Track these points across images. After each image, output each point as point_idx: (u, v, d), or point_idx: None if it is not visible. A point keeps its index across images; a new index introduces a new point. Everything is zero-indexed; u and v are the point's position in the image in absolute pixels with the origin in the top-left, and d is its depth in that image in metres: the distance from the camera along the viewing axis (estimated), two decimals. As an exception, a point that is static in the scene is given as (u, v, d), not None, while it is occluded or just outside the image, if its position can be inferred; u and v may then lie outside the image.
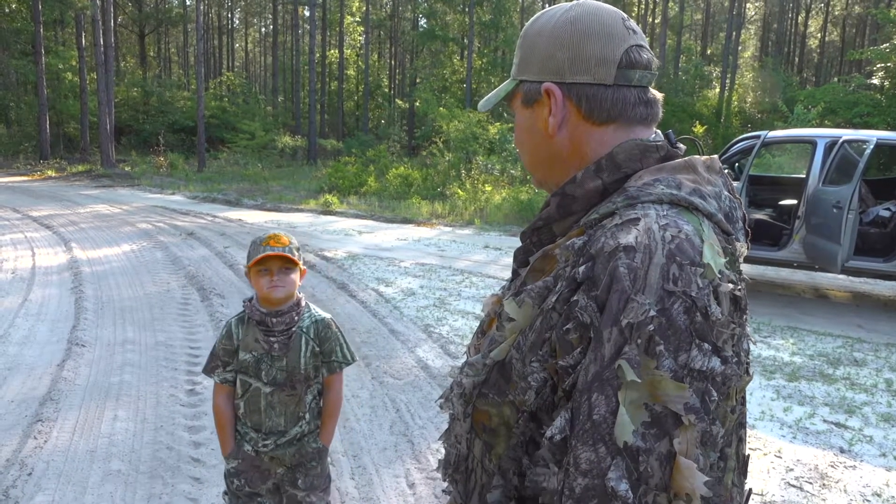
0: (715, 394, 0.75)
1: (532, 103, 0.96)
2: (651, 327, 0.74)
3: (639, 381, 0.73)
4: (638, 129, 0.93)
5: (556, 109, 0.92)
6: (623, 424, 0.73)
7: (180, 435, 3.74)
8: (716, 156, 0.94)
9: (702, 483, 0.73)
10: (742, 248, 0.88)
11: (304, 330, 2.20)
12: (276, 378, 2.15)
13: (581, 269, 0.80)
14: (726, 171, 0.94)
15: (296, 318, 2.18)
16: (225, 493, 2.32)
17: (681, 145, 0.96)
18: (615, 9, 0.95)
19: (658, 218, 0.81)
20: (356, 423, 3.95)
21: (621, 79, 0.90)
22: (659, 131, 0.96)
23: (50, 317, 6.03)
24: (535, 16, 0.98)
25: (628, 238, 0.78)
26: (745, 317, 0.83)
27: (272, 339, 2.15)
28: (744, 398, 0.89)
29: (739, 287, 0.81)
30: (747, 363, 0.84)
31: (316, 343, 2.20)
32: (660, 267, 0.76)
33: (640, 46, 0.92)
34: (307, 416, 2.22)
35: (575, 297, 0.80)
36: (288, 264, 2.14)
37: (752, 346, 5.65)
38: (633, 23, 0.94)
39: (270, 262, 2.12)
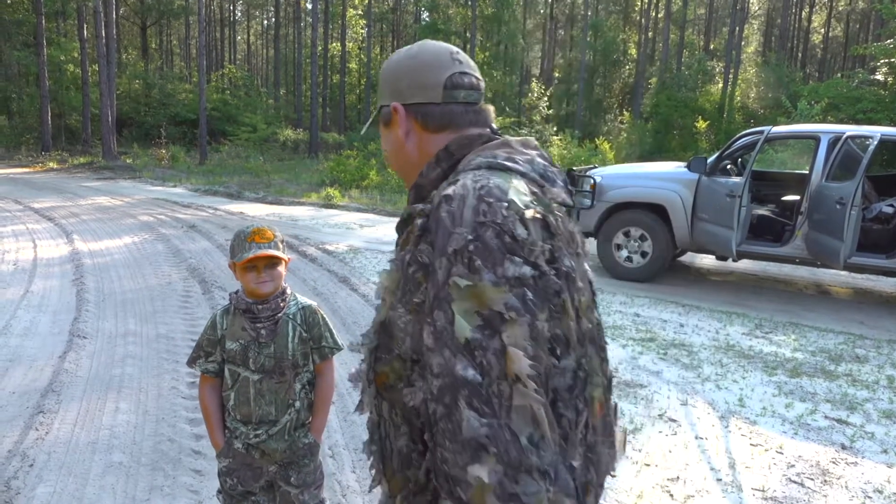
0: (531, 294, 0.93)
1: (388, 123, 1.23)
2: (470, 248, 0.93)
3: (466, 292, 0.92)
4: (469, 130, 1.19)
5: (401, 122, 1.20)
6: (461, 328, 0.91)
7: (181, 427, 3.74)
8: (532, 138, 1.21)
9: (526, 366, 0.90)
10: (559, 194, 1.11)
11: (291, 316, 2.19)
12: (263, 365, 2.15)
13: (419, 222, 1.02)
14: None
15: (281, 304, 2.18)
16: (219, 492, 2.29)
17: (499, 134, 1.22)
18: (446, 45, 1.24)
19: (473, 176, 1.03)
20: (357, 416, 3.95)
21: (448, 97, 1.18)
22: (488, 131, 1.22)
23: (51, 308, 6.03)
24: (391, 55, 1.27)
25: (447, 191, 1.01)
26: (573, 243, 1.08)
27: (258, 325, 2.15)
28: (600, 323, 1.14)
29: (552, 216, 1.03)
30: (589, 283, 1.11)
31: (303, 329, 2.20)
32: (472, 207, 0.97)
33: (464, 73, 1.20)
34: (297, 404, 2.20)
35: (419, 247, 1.01)
36: (274, 260, 2.14)
37: (734, 338, 5.65)
38: (462, 55, 1.22)
39: (258, 259, 2.11)
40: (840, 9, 44.16)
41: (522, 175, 1.07)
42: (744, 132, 8.01)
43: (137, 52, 44.22)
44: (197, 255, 8.49)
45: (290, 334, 2.17)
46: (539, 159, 1.14)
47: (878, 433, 4.04)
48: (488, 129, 1.21)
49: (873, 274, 7.34)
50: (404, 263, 1.03)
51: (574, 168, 8.85)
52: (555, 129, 21.68)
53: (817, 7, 44.99)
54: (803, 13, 43.80)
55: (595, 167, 9.37)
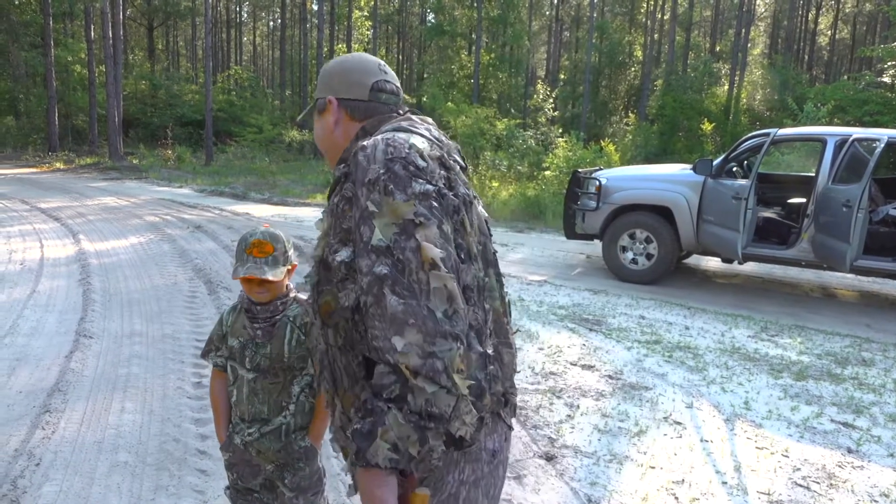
0: (435, 204, 1.20)
1: (322, 111, 1.53)
2: (383, 177, 1.20)
3: (384, 209, 1.17)
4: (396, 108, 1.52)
5: (333, 112, 1.50)
6: (381, 237, 1.16)
7: (187, 427, 3.75)
8: (428, 117, 1.51)
9: (438, 253, 1.15)
10: (453, 153, 1.43)
11: (291, 318, 2.18)
12: (259, 364, 2.15)
13: (341, 168, 1.34)
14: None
15: (280, 306, 2.18)
16: (227, 488, 2.32)
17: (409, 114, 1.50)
18: (375, 58, 1.54)
19: (382, 135, 1.31)
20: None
21: (373, 97, 1.49)
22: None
23: (58, 308, 6.06)
24: (331, 60, 1.57)
25: (362, 143, 1.28)
26: (460, 174, 1.37)
27: (256, 325, 2.17)
28: (495, 254, 1.41)
29: (447, 157, 1.33)
30: (472, 198, 1.38)
31: (301, 332, 2.18)
32: (381, 150, 1.25)
33: (387, 81, 1.52)
34: (292, 407, 2.18)
35: (343, 186, 1.30)
36: (266, 283, 2.13)
37: (740, 341, 5.63)
38: (386, 67, 1.54)
39: (250, 278, 2.12)
40: (847, 11, 44.00)
41: (422, 136, 1.33)
42: (750, 134, 7.99)
43: (144, 53, 44.36)
44: (202, 255, 8.51)
45: (287, 336, 2.16)
46: (435, 131, 1.42)
47: (885, 437, 4.02)
48: (398, 110, 1.50)
49: (880, 277, 7.31)
50: (333, 205, 1.31)
51: (579, 170, 8.84)
52: (560, 130, 21.64)
53: (824, 9, 44.83)
54: (810, 15, 43.66)
55: (600, 169, 9.36)
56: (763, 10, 45.35)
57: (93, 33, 27.64)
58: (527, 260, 9.19)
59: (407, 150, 1.24)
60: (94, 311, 5.90)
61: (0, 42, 30.79)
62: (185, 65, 51.13)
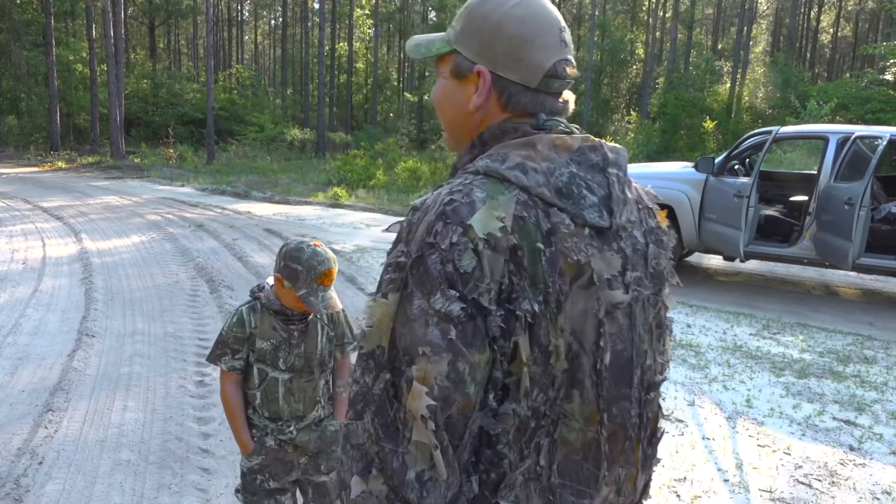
0: (456, 333, 0.86)
1: (462, 76, 1.04)
2: (400, 260, 0.90)
3: (387, 312, 0.90)
4: (542, 116, 1.04)
5: (482, 91, 1.02)
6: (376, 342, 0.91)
7: (189, 426, 3.75)
8: (576, 137, 1.02)
9: (423, 406, 0.85)
10: (578, 215, 0.95)
11: (319, 316, 2.22)
12: (294, 364, 2.17)
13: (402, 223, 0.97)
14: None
15: None
16: (238, 490, 2.29)
17: (556, 126, 1.05)
18: (557, 16, 1.05)
19: (457, 185, 0.94)
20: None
21: (544, 86, 1.03)
22: (558, 119, 1.06)
23: (60, 307, 6.07)
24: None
25: (419, 200, 0.96)
26: (577, 277, 0.94)
27: (292, 326, 2.17)
28: (620, 366, 1.00)
29: (529, 250, 0.90)
30: (596, 321, 0.95)
31: (330, 328, 2.25)
32: (428, 223, 0.90)
33: (566, 60, 1.05)
34: (322, 400, 2.27)
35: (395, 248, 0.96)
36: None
37: (741, 339, 5.63)
38: (567, 35, 1.06)
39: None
40: (849, 8, 43.92)
41: (524, 190, 0.94)
42: (752, 132, 7.98)
43: (145, 52, 44.39)
44: (204, 254, 8.52)
45: (319, 334, 2.21)
46: (568, 168, 0.98)
47: (887, 434, 4.02)
48: (535, 119, 1.04)
49: (882, 275, 7.30)
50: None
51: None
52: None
53: (826, 6, 44.77)
54: (812, 13, 43.60)
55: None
56: (765, 7, 45.27)
57: (94, 32, 27.65)
58: (528, 258, 9.19)
59: (456, 238, 0.88)
60: (96, 310, 5.90)
61: (2, 41, 30.82)
62: (186, 63, 51.16)
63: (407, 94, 35.82)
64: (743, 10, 30.96)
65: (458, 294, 0.87)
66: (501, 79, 1.02)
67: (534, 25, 1.01)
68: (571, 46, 1.07)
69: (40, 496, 2.99)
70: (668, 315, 1.13)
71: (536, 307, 0.90)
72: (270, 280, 2.24)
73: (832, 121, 16.76)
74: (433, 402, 0.86)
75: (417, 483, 0.87)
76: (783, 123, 14.85)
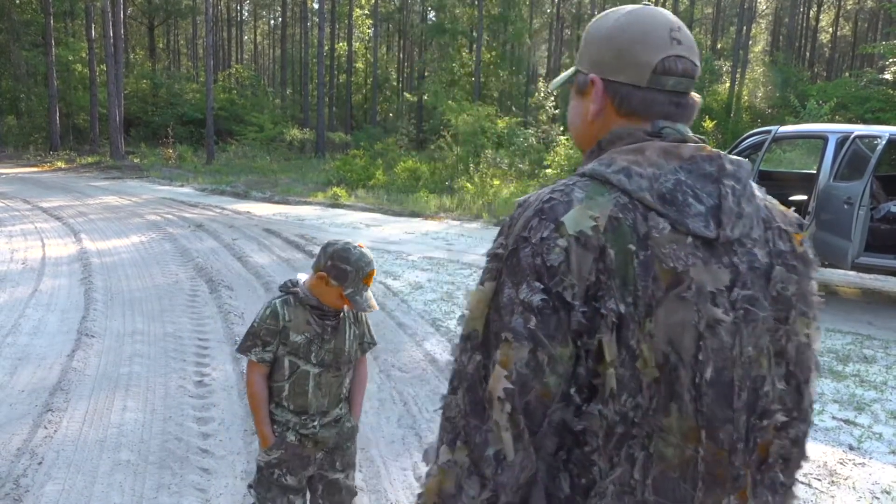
0: (536, 323, 0.91)
1: (583, 91, 1.11)
2: (498, 252, 0.97)
3: (479, 301, 0.97)
4: (658, 123, 1.05)
5: (595, 97, 1.07)
6: (472, 327, 0.98)
7: (189, 426, 3.76)
8: (689, 147, 1.01)
9: (500, 389, 0.91)
10: (680, 221, 0.95)
11: (346, 314, 2.30)
12: (324, 359, 2.23)
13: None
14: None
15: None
16: (251, 486, 2.30)
17: (670, 133, 1.05)
18: (668, 18, 1.07)
19: (560, 184, 0.99)
20: (364, 415, 3.96)
21: (654, 83, 1.04)
22: (677, 126, 1.06)
23: (60, 307, 6.07)
24: (600, 14, 1.14)
25: (524, 197, 1.01)
26: (630, 279, 0.92)
27: (327, 322, 2.23)
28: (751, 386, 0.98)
29: (618, 251, 0.92)
30: (646, 337, 0.92)
31: (356, 327, 2.33)
32: (526, 218, 0.96)
33: (680, 57, 1.04)
34: (343, 397, 2.33)
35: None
36: None
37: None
38: (682, 33, 1.06)
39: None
40: (848, 8, 43.91)
41: (626, 193, 0.96)
42: (751, 132, 7.99)
43: (145, 52, 44.37)
44: (204, 254, 8.52)
45: (348, 331, 2.29)
46: (675, 175, 0.98)
47: (887, 434, 4.02)
48: (650, 126, 1.05)
49: (881, 274, 7.30)
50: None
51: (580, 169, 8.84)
52: (561, 128, 21.65)
53: (825, 6, 44.76)
54: (811, 12, 43.59)
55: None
56: (764, 7, 45.28)
57: (94, 32, 27.63)
58: (528, 258, 9.19)
59: (547, 233, 0.93)
60: (95, 310, 5.90)
61: (1, 41, 30.82)
62: (185, 63, 51.14)
63: (406, 94, 35.78)
64: (742, 9, 30.97)
65: (542, 286, 0.92)
66: (612, 83, 1.06)
67: (638, 28, 1.05)
68: (691, 46, 1.07)
69: (40, 496, 2.99)
70: (810, 347, 1.07)
71: (623, 308, 0.91)
72: (302, 276, 2.28)
73: (831, 120, 16.76)
74: (510, 386, 0.91)
75: (494, 460, 0.92)
76: (782, 123, 14.85)
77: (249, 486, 2.32)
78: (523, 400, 0.92)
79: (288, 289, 2.25)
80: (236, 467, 3.31)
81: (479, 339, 0.96)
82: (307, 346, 2.20)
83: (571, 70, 1.17)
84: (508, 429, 0.92)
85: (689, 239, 0.95)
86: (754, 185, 1.06)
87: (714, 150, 1.02)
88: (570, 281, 0.91)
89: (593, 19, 1.15)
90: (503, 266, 0.96)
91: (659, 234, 0.94)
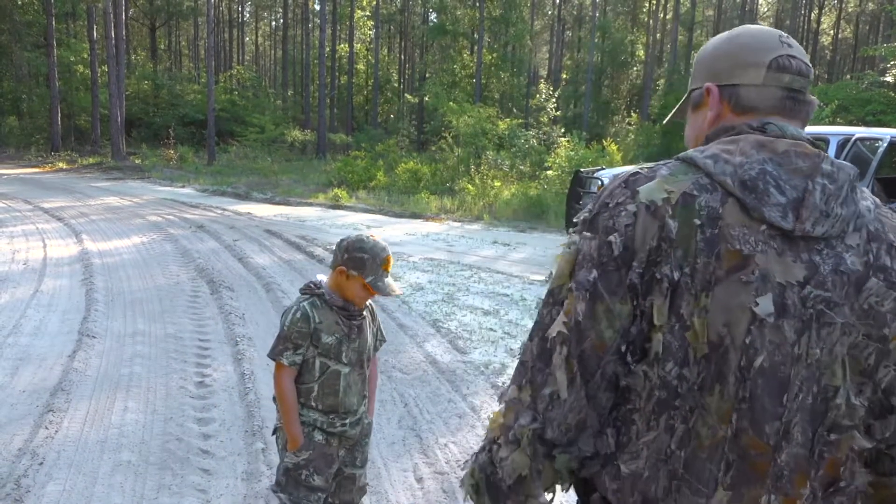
0: (597, 275, 1.00)
1: (698, 105, 1.17)
2: (586, 217, 1.06)
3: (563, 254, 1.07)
4: (774, 118, 1.08)
5: (713, 104, 1.12)
6: (552, 284, 1.08)
7: (190, 427, 3.76)
8: (785, 141, 1.02)
9: (556, 330, 1.02)
10: (755, 207, 0.97)
11: (365, 312, 2.36)
12: (351, 359, 2.27)
13: None
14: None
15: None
16: (276, 488, 2.31)
17: (770, 129, 1.07)
18: (774, 29, 1.14)
19: (654, 164, 1.07)
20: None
21: (770, 80, 1.08)
22: (784, 124, 1.07)
23: (61, 308, 6.07)
24: (711, 40, 1.21)
25: (621, 170, 1.25)
26: (690, 251, 0.97)
27: (354, 322, 2.28)
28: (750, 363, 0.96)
29: (679, 221, 0.97)
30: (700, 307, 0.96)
31: (373, 324, 2.40)
32: (611, 188, 1.06)
33: (792, 56, 1.09)
34: (365, 394, 2.37)
35: None
36: None
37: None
38: (791, 39, 1.12)
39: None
40: (850, 10, 43.93)
41: (708, 175, 1.01)
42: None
43: (146, 53, 44.44)
44: (205, 255, 8.53)
45: (368, 330, 2.34)
46: (762, 165, 1.00)
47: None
48: (756, 121, 1.08)
49: None
50: None
51: (582, 169, 8.85)
52: (562, 130, 21.65)
53: (827, 8, 44.78)
54: (812, 14, 43.61)
55: (602, 169, 9.36)
56: (765, 9, 45.31)
57: (95, 33, 27.68)
58: (529, 259, 9.19)
59: (621, 199, 1.02)
60: (96, 311, 5.91)
61: (3, 42, 30.88)
62: (187, 65, 51.19)
63: (407, 96, 35.81)
64: (743, 11, 31.00)
65: (612, 240, 1.00)
66: (727, 87, 1.10)
67: (747, 35, 1.12)
68: (800, 49, 1.11)
69: (41, 497, 2.99)
70: None
71: (677, 275, 0.97)
72: (321, 276, 2.31)
73: (833, 122, 16.76)
74: (565, 331, 1.01)
75: (549, 398, 1.01)
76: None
77: (275, 491, 2.32)
78: (579, 347, 1.00)
79: (312, 290, 2.26)
80: (237, 468, 3.32)
81: (562, 294, 1.04)
82: (338, 346, 2.24)
83: (685, 97, 1.23)
84: (564, 371, 1.01)
85: (764, 227, 0.98)
86: (865, 195, 1.05)
87: (815, 150, 1.02)
88: (632, 242, 0.99)
89: (703, 46, 1.22)
90: (587, 227, 1.04)
91: (731, 217, 0.98)
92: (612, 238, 1.00)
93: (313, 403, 2.25)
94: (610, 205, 1.03)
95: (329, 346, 2.22)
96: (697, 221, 0.97)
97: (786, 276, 0.96)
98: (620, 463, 1.02)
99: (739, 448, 0.97)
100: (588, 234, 1.04)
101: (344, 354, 2.25)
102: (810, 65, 1.11)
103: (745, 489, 0.98)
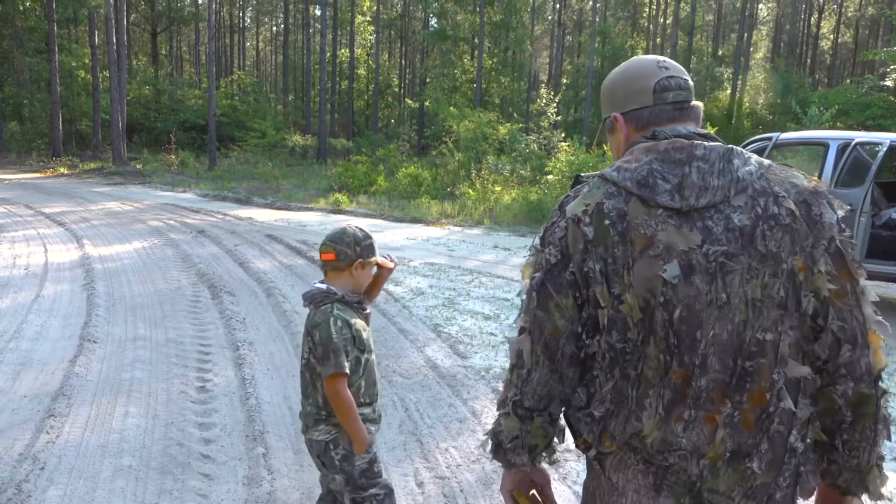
0: (545, 278, 1.33)
1: (612, 130, 1.45)
2: (537, 238, 1.40)
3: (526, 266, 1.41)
4: (668, 125, 1.36)
5: (621, 128, 1.41)
6: (523, 284, 1.42)
7: (191, 431, 3.76)
8: (665, 142, 1.30)
9: (520, 324, 1.39)
10: (652, 198, 1.25)
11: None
12: (371, 346, 2.38)
13: None
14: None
15: None
16: (351, 497, 2.32)
17: (672, 136, 1.34)
18: (653, 56, 1.43)
19: (580, 186, 1.38)
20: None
21: (658, 100, 1.37)
22: (680, 127, 1.36)
23: (62, 313, 6.08)
24: (608, 75, 1.50)
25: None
26: (608, 245, 1.27)
27: (366, 313, 2.40)
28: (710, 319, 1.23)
29: (593, 227, 1.28)
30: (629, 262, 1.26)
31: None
32: (554, 209, 1.39)
33: (670, 76, 1.37)
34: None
35: None
36: None
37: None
38: (668, 62, 1.40)
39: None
40: (849, 14, 43.99)
41: (614, 184, 1.30)
42: (752, 138, 8.00)
43: (147, 59, 44.52)
44: (206, 259, 8.54)
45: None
46: (650, 165, 1.28)
47: (887, 441, 4.01)
48: (648, 132, 1.36)
49: (883, 281, 7.29)
50: None
51: (582, 174, 8.84)
52: (563, 135, 21.67)
53: (826, 13, 44.84)
54: (812, 19, 43.66)
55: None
56: (765, 14, 45.37)
57: (97, 39, 27.75)
58: (529, 264, 9.19)
59: (556, 218, 1.36)
60: (98, 316, 5.91)
61: (4, 48, 30.94)
62: (188, 70, 51.29)
63: (408, 101, 35.86)
64: (743, 16, 31.04)
65: (551, 253, 1.32)
66: (628, 112, 1.40)
67: (631, 69, 1.42)
68: (677, 68, 1.40)
69: (42, 501, 2.99)
70: (845, 305, 1.26)
71: (600, 266, 1.27)
72: (321, 286, 2.32)
73: (833, 127, 16.76)
74: (528, 324, 1.35)
75: (524, 376, 1.36)
76: (784, 129, 14.87)
77: (354, 500, 2.33)
78: (542, 336, 1.32)
79: (332, 297, 2.27)
80: (238, 473, 3.32)
81: (525, 296, 1.37)
82: (369, 339, 2.35)
83: (601, 124, 1.52)
84: (530, 355, 1.34)
85: (660, 211, 1.25)
86: (748, 161, 1.30)
87: (688, 142, 1.28)
88: (566, 249, 1.30)
89: (603, 81, 1.51)
90: (539, 242, 1.37)
91: (635, 210, 1.26)
92: (551, 249, 1.33)
93: (361, 399, 2.30)
94: (550, 224, 1.36)
95: (365, 342, 2.31)
96: (607, 222, 1.27)
97: (687, 243, 1.23)
98: (592, 409, 1.33)
99: (669, 380, 1.25)
100: (539, 247, 1.37)
101: (368, 346, 2.35)
102: (688, 77, 1.40)
103: (673, 410, 1.25)
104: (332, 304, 2.27)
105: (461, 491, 3.20)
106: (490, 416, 4.07)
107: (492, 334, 5.79)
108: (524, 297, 1.37)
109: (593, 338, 1.30)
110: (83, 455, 3.44)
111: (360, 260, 2.30)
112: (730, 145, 1.31)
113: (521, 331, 1.36)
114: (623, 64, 1.46)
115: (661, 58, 1.42)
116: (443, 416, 4.06)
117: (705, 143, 1.29)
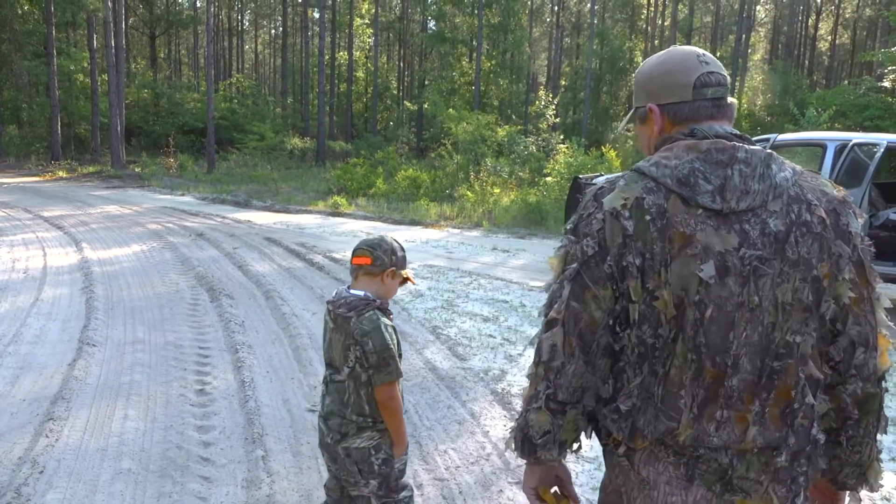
0: (583, 268, 1.31)
1: (644, 120, 1.45)
2: (568, 227, 1.38)
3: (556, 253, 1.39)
4: (705, 123, 1.37)
5: (656, 119, 1.41)
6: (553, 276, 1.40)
7: (190, 434, 3.76)
8: (706, 142, 1.31)
9: (553, 315, 1.34)
10: (693, 198, 1.26)
11: None
12: None
13: None
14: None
15: None
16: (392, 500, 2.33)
17: (704, 135, 1.36)
18: (693, 48, 1.42)
19: (614, 176, 1.38)
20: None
21: (697, 95, 1.36)
22: (717, 125, 1.37)
23: (61, 316, 6.08)
24: (643, 62, 1.49)
25: (595, 180, 1.48)
26: (647, 241, 1.27)
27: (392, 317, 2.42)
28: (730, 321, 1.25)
29: (633, 221, 1.27)
30: (665, 260, 1.26)
31: None
32: (585, 200, 1.37)
33: (711, 72, 1.37)
34: None
35: None
36: None
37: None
38: (707, 56, 1.40)
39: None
40: (847, 16, 44.06)
41: (653, 179, 1.30)
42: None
43: (146, 62, 44.54)
44: (205, 263, 8.54)
45: None
46: (691, 164, 1.28)
47: (886, 441, 4.02)
48: (687, 130, 1.36)
49: (881, 282, 7.31)
50: None
51: (581, 176, 8.87)
52: (561, 136, 21.70)
53: (824, 14, 44.92)
54: (810, 20, 43.74)
55: (601, 175, 9.38)
56: (763, 15, 45.44)
57: (95, 42, 27.75)
58: (528, 266, 9.20)
59: (592, 210, 1.34)
60: (96, 319, 5.92)
61: (3, 51, 30.94)
62: (187, 73, 51.30)
63: (407, 103, 35.89)
64: (741, 18, 31.08)
65: (583, 240, 1.31)
66: (664, 105, 1.39)
67: (671, 61, 1.40)
68: (716, 63, 1.40)
69: (41, 505, 2.99)
70: (861, 311, 1.32)
71: (639, 261, 1.27)
72: (357, 291, 2.29)
73: (831, 128, 16.79)
74: (557, 317, 1.33)
75: (556, 369, 1.33)
76: (782, 131, 14.88)
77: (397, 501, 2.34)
78: (577, 327, 1.30)
79: (373, 304, 2.26)
80: (237, 476, 3.32)
81: (557, 287, 1.34)
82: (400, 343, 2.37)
83: (631, 112, 1.51)
84: (564, 347, 1.31)
85: (700, 211, 1.26)
86: (784, 167, 1.32)
87: (731, 144, 1.29)
88: (604, 241, 1.29)
89: (639, 67, 1.50)
90: (571, 233, 1.35)
91: (674, 208, 1.26)
92: (588, 241, 1.30)
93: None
94: (585, 215, 1.33)
95: (399, 345, 2.34)
96: (648, 217, 1.27)
97: (724, 245, 1.24)
98: (619, 403, 1.33)
99: (701, 379, 1.26)
100: (573, 238, 1.34)
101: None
102: (726, 73, 1.40)
103: (706, 409, 1.27)
104: (374, 311, 2.25)
105: (460, 493, 3.20)
106: (489, 417, 4.08)
107: (490, 336, 5.80)
108: (554, 288, 1.35)
109: (624, 331, 1.30)
110: (82, 458, 3.44)
111: (393, 269, 2.31)
112: (769, 150, 1.32)
113: (552, 323, 1.33)
114: (662, 54, 1.44)
115: (700, 51, 1.41)
116: (441, 418, 4.06)
117: (746, 146, 1.30)
